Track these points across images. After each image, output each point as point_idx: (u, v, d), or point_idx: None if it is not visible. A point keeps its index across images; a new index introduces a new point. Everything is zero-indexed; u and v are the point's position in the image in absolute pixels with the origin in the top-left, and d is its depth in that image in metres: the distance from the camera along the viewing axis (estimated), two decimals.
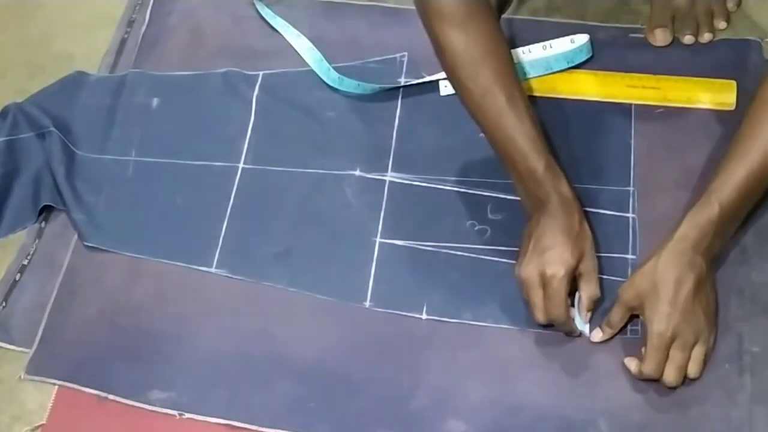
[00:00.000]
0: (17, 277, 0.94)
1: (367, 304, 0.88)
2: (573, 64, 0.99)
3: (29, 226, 0.97)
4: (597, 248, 0.87)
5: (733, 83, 0.94)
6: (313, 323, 0.88)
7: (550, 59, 0.97)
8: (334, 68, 1.01)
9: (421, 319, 0.87)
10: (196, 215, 0.95)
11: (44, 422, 0.85)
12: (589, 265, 0.83)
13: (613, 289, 0.85)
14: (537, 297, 0.81)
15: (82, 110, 1.03)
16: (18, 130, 1.01)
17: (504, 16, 1.04)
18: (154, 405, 0.84)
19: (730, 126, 0.93)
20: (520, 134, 0.83)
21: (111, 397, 0.85)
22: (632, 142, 0.94)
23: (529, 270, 0.81)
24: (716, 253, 0.82)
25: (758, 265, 0.86)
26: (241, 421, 0.83)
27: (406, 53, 1.03)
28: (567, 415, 0.81)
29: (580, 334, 0.84)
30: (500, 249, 0.89)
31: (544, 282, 0.81)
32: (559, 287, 0.80)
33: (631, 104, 0.96)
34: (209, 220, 0.95)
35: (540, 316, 0.82)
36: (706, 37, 0.99)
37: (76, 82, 1.05)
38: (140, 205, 0.97)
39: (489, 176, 0.93)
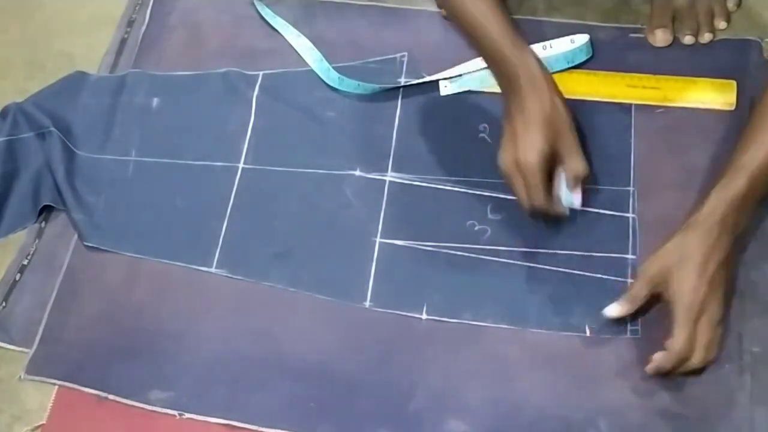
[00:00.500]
0: (17, 277, 0.94)
1: (367, 304, 0.88)
2: (573, 64, 0.99)
3: (29, 226, 0.97)
4: (595, 247, 0.87)
5: (733, 83, 0.94)
6: (313, 323, 0.88)
7: (550, 59, 0.97)
8: (334, 68, 1.01)
9: (421, 319, 0.87)
10: (196, 215, 0.95)
11: (44, 422, 0.85)
12: (567, 143, 0.82)
13: (614, 290, 0.85)
14: (518, 185, 0.82)
15: (82, 110, 1.03)
16: (18, 130, 1.01)
17: None
18: (154, 405, 0.84)
19: (730, 126, 0.93)
20: (488, 15, 0.85)
21: (111, 397, 0.85)
22: (632, 142, 0.94)
23: (505, 159, 0.82)
24: (741, 231, 0.81)
25: (758, 265, 0.86)
26: (241, 421, 0.83)
27: (406, 53, 1.03)
28: (567, 415, 0.81)
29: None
30: (500, 249, 0.89)
31: (521, 170, 0.81)
32: (535, 173, 0.81)
33: (631, 104, 0.96)
34: (209, 220, 0.95)
35: (524, 204, 0.83)
36: (706, 37, 0.99)
37: (76, 82, 1.05)
38: (140, 205, 0.97)
39: (489, 176, 0.93)
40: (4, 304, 0.92)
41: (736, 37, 1.00)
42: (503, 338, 0.85)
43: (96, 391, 0.85)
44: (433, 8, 1.07)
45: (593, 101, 0.97)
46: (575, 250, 0.88)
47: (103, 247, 0.94)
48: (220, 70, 1.04)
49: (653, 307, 0.83)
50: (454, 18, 0.91)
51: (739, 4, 1.02)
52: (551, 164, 0.83)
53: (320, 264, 0.91)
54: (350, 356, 0.86)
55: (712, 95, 0.95)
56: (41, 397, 0.86)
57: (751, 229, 0.85)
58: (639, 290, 0.81)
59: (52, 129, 1.00)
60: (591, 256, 0.88)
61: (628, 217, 0.90)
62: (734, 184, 0.79)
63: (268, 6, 1.09)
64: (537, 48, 0.98)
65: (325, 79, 1.01)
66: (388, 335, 0.87)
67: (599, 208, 0.90)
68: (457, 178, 0.94)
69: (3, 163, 0.98)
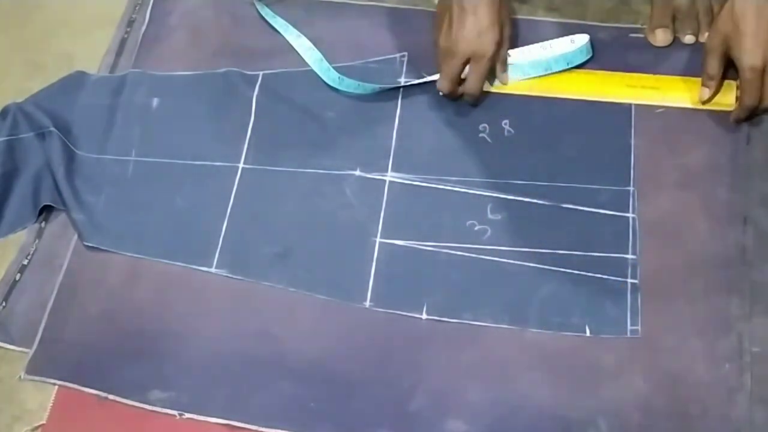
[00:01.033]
0: (17, 277, 0.94)
1: (367, 304, 0.88)
2: (573, 65, 0.99)
3: (29, 226, 0.97)
4: (595, 247, 0.87)
5: (733, 84, 0.94)
6: (313, 323, 0.88)
7: (549, 60, 0.97)
8: (334, 68, 1.01)
9: (421, 319, 0.87)
10: (196, 215, 0.95)
11: (44, 422, 0.85)
12: (506, 33, 0.94)
13: (614, 290, 0.86)
14: (454, 68, 0.93)
15: (82, 110, 1.03)
16: (18, 130, 1.01)
17: None
18: (154, 405, 0.84)
19: (730, 126, 0.93)
20: None
21: (111, 397, 0.85)
22: (632, 142, 0.94)
23: (455, 44, 0.92)
24: None
25: (758, 265, 0.86)
26: (241, 421, 0.83)
27: (406, 53, 1.03)
28: (567, 415, 0.81)
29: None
30: (500, 249, 0.89)
31: (472, 59, 0.91)
32: (485, 65, 0.92)
33: (631, 104, 0.96)
34: (209, 220, 0.95)
35: (449, 86, 0.94)
36: (706, 36, 0.99)
37: (76, 82, 1.05)
38: (140, 205, 0.97)
39: (489, 176, 0.93)
40: (4, 304, 0.92)
41: None
42: (503, 338, 0.85)
43: (96, 391, 0.86)
44: (433, 8, 1.07)
45: (593, 101, 0.97)
46: (575, 250, 0.88)
47: (103, 247, 0.94)
48: (220, 70, 1.04)
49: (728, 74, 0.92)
50: None
51: None
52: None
53: (320, 264, 0.91)
54: (350, 356, 0.86)
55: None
56: (41, 397, 0.86)
57: (739, 238, 0.87)
58: (712, 66, 0.91)
59: (52, 129, 1.00)
60: (591, 256, 0.88)
61: (628, 217, 0.90)
62: None
63: (268, 6, 1.09)
64: (536, 48, 0.98)
65: (325, 79, 1.01)
66: (388, 335, 0.87)
67: (599, 208, 0.90)
68: (457, 178, 0.94)
69: (3, 163, 0.98)
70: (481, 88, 0.94)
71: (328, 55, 1.02)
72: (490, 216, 0.92)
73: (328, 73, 1.01)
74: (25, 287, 0.93)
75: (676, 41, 1.00)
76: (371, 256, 0.91)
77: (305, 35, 1.05)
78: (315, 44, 1.04)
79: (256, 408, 0.83)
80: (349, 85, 1.00)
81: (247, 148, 0.99)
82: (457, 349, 0.85)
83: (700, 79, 0.95)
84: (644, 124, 0.95)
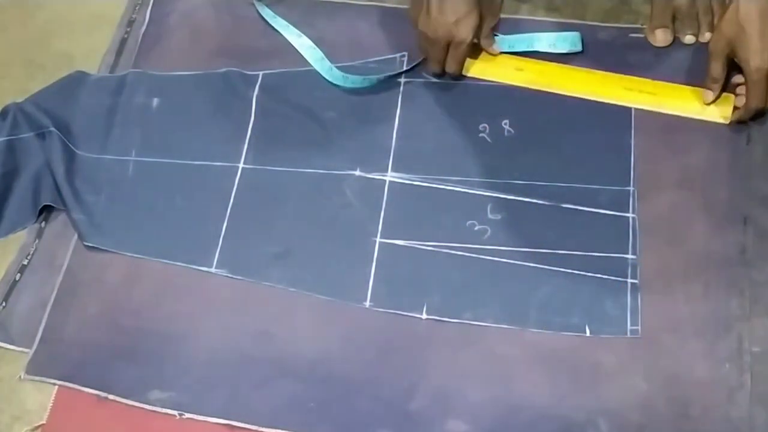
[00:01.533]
0: (17, 277, 0.94)
1: (367, 304, 0.88)
2: (556, 51, 0.99)
3: (29, 225, 0.97)
4: (595, 247, 0.87)
5: (731, 97, 0.93)
6: (313, 323, 0.88)
7: (533, 37, 1.00)
8: (336, 68, 1.01)
9: (421, 319, 0.87)
10: (196, 215, 0.95)
11: (44, 422, 0.85)
12: (487, 14, 0.96)
13: (614, 289, 0.86)
14: (437, 53, 0.95)
15: (82, 110, 1.03)
16: (18, 130, 1.01)
17: (503, 15, 1.04)
18: (154, 405, 0.84)
19: (730, 126, 0.93)
20: None
21: (111, 397, 0.85)
22: (632, 141, 0.94)
23: (435, 29, 0.93)
24: None
25: (758, 265, 0.86)
26: (241, 421, 0.83)
27: (405, 53, 1.03)
28: (567, 415, 0.81)
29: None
30: (500, 249, 0.89)
31: (452, 43, 0.93)
32: (464, 50, 0.94)
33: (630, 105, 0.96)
34: (209, 220, 0.95)
35: (435, 69, 0.97)
36: (706, 36, 0.99)
37: (76, 81, 1.05)
38: (140, 205, 0.97)
39: (489, 176, 0.93)
40: (4, 304, 0.92)
41: None
42: (503, 338, 0.85)
43: (96, 391, 0.86)
44: None
45: (593, 101, 0.97)
46: (575, 250, 0.88)
47: (103, 247, 0.94)
48: (220, 70, 1.04)
49: (732, 78, 0.92)
50: None
51: None
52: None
53: (320, 264, 0.91)
54: (350, 356, 0.86)
55: (709, 107, 0.94)
56: (41, 397, 0.86)
57: (739, 238, 0.87)
58: (716, 69, 0.90)
59: (52, 129, 1.00)
60: (591, 255, 0.88)
61: (628, 217, 0.90)
62: None
63: (268, 6, 1.09)
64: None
65: (327, 77, 1.01)
66: (388, 335, 0.87)
67: (599, 208, 0.90)
68: (457, 178, 0.94)
69: (3, 163, 0.98)
70: (461, 69, 0.97)
71: (329, 55, 1.03)
72: (490, 216, 0.92)
73: (330, 72, 1.01)
74: (25, 287, 0.93)
75: (676, 41, 1.00)
76: (371, 256, 0.91)
77: (305, 35, 1.05)
78: (315, 44, 1.04)
79: (256, 408, 0.83)
80: (354, 81, 1.00)
81: (247, 148, 0.99)
82: (457, 349, 0.85)
83: (697, 88, 0.94)
84: (644, 124, 0.95)
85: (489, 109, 0.98)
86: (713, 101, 0.92)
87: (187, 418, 0.84)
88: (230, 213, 0.95)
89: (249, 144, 0.99)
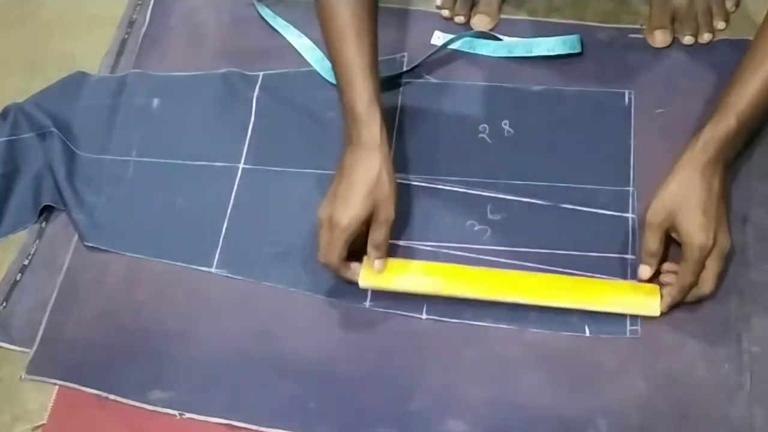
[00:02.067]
0: (18, 277, 0.94)
1: (367, 304, 0.88)
2: (555, 53, 0.99)
3: (30, 226, 0.97)
4: (595, 248, 0.87)
5: (657, 288, 0.83)
6: (313, 323, 0.88)
7: (531, 43, 1.00)
8: None
9: (421, 319, 0.87)
10: (197, 215, 0.95)
11: (45, 422, 0.85)
12: (381, 216, 0.84)
13: None
14: (322, 238, 0.84)
15: (82, 110, 1.03)
16: (18, 130, 1.01)
17: (503, 16, 1.05)
18: (155, 405, 0.85)
19: None
20: (353, 66, 0.86)
21: (111, 397, 0.85)
22: (632, 142, 0.94)
23: (322, 211, 0.84)
24: (731, 162, 0.85)
25: (758, 265, 0.86)
26: (242, 421, 0.83)
27: (405, 54, 1.03)
28: (566, 415, 0.81)
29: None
30: (500, 249, 0.90)
31: (332, 226, 0.83)
32: (339, 236, 0.83)
33: (630, 104, 0.96)
34: (209, 221, 0.95)
35: (319, 257, 0.84)
36: (705, 37, 1.00)
37: (76, 82, 1.06)
38: (141, 206, 0.97)
39: (489, 176, 0.93)
40: (4, 304, 0.92)
41: (735, 37, 1.00)
42: (503, 338, 0.85)
43: (96, 391, 0.86)
44: (432, 9, 1.07)
45: (593, 100, 0.97)
46: (575, 250, 0.88)
47: (103, 247, 0.94)
48: (221, 70, 1.04)
49: (669, 251, 0.84)
50: (327, 51, 0.91)
51: (737, 5, 1.02)
52: (366, 227, 0.85)
53: (320, 264, 0.91)
54: (350, 356, 0.86)
55: (639, 299, 0.84)
56: (42, 396, 0.86)
57: (739, 238, 0.86)
58: (652, 243, 0.83)
59: (53, 129, 1.00)
60: (591, 256, 0.88)
61: (627, 217, 0.90)
62: (724, 123, 0.82)
63: (268, 7, 1.09)
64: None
65: (328, 78, 1.01)
66: (388, 335, 0.87)
67: (599, 209, 0.90)
68: (456, 179, 0.94)
69: (4, 163, 0.99)
70: (337, 259, 0.84)
71: (328, 56, 1.02)
72: (489, 216, 0.92)
73: (330, 72, 1.01)
74: (26, 287, 0.93)
75: (675, 42, 1.00)
76: None
77: (305, 36, 1.05)
78: (315, 45, 1.04)
79: (256, 408, 0.84)
80: None
81: (248, 149, 0.99)
82: (457, 349, 0.85)
83: (625, 282, 0.86)
84: (644, 124, 0.95)
85: (489, 110, 0.98)
86: (649, 276, 0.83)
87: (188, 418, 0.84)
88: (230, 213, 0.95)
89: (249, 144, 0.99)
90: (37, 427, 0.85)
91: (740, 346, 0.82)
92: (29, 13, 1.15)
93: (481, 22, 1.04)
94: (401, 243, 0.91)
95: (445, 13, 1.06)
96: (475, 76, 1.01)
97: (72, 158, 0.99)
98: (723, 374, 0.81)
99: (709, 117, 0.84)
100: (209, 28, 1.09)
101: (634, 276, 0.86)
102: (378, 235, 0.85)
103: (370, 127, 0.85)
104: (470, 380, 0.83)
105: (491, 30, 1.03)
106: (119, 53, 1.09)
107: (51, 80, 1.06)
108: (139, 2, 1.13)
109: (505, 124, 0.97)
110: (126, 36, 1.10)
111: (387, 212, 0.84)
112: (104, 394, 0.85)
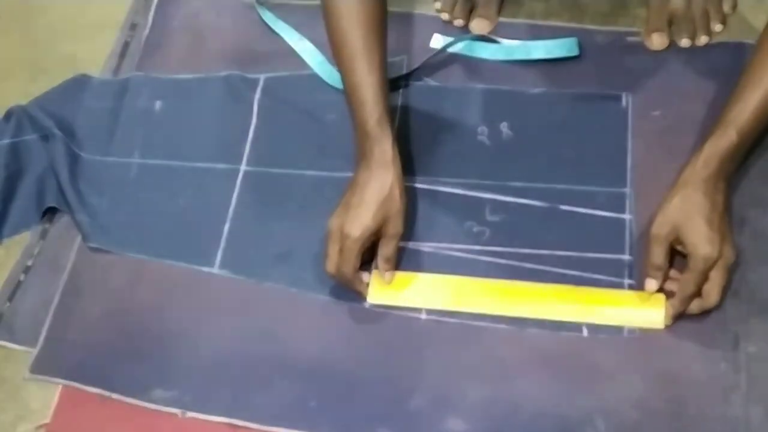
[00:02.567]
0: (21, 278, 0.94)
1: (368, 304, 0.89)
2: (553, 56, 1.00)
3: (33, 227, 0.98)
4: (592, 248, 0.88)
5: (662, 297, 0.84)
6: (314, 323, 0.88)
7: (530, 46, 1.00)
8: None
9: (420, 319, 0.88)
10: (199, 216, 0.96)
11: (48, 421, 0.85)
12: (390, 230, 0.86)
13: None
14: (332, 250, 0.85)
15: (85, 113, 1.04)
16: (22, 133, 1.02)
17: (501, 20, 1.05)
18: (157, 404, 0.85)
19: None
20: (364, 85, 0.87)
21: (114, 396, 0.86)
22: (629, 144, 0.94)
23: (333, 222, 0.85)
24: (732, 175, 0.86)
25: (754, 265, 0.86)
26: (243, 420, 0.83)
27: (405, 56, 1.03)
28: (565, 414, 0.81)
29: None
30: (499, 250, 0.90)
31: (342, 238, 0.84)
32: (351, 247, 0.84)
33: (627, 105, 0.97)
34: (211, 222, 0.95)
35: (329, 267, 0.85)
36: (702, 40, 1.00)
37: (79, 84, 1.06)
38: (143, 207, 0.97)
39: (488, 178, 0.94)
40: (8, 304, 0.93)
41: (732, 39, 1.00)
42: (503, 338, 0.86)
43: (99, 390, 0.86)
44: (432, 12, 1.08)
45: (592, 100, 0.97)
46: (573, 251, 0.89)
47: (106, 248, 0.95)
48: (222, 73, 1.05)
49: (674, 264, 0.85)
50: (337, 67, 0.92)
51: (734, 7, 1.03)
52: (375, 240, 0.87)
53: (321, 264, 0.91)
54: (351, 356, 0.86)
55: (645, 312, 0.84)
56: (45, 396, 0.87)
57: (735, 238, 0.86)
58: (658, 256, 0.83)
59: (56, 131, 1.01)
60: (588, 256, 0.88)
61: (624, 219, 0.90)
62: (725, 138, 0.84)
63: (270, 10, 1.10)
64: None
65: (328, 81, 1.02)
66: (388, 335, 0.87)
67: (596, 210, 0.91)
68: (456, 180, 0.95)
69: (7, 165, 0.99)
70: (351, 270, 0.86)
71: (330, 59, 1.03)
72: (488, 217, 0.92)
73: (331, 75, 1.02)
74: (30, 288, 0.94)
75: (672, 44, 1.01)
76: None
77: (306, 39, 1.06)
78: (316, 48, 1.04)
79: (257, 407, 0.84)
80: None
81: (249, 151, 1.00)
82: (457, 349, 0.86)
83: (630, 292, 0.86)
84: (641, 126, 0.95)
85: (487, 112, 0.98)
86: (656, 289, 0.83)
87: (190, 417, 0.84)
88: (232, 214, 0.96)
89: (251, 146, 1.00)
90: (41, 426, 0.85)
91: (737, 346, 0.82)
92: (32, 15, 1.15)
93: (479, 25, 1.05)
94: (401, 244, 0.92)
95: (445, 16, 1.06)
96: (474, 78, 1.02)
97: (75, 160, 1.00)
98: (720, 374, 0.81)
99: (710, 132, 0.85)
100: (211, 31, 1.10)
101: (631, 275, 0.86)
102: (388, 248, 0.86)
103: (382, 144, 0.86)
104: (469, 379, 0.84)
105: (490, 33, 1.04)
106: (122, 56, 1.09)
107: (54, 83, 1.06)
108: (142, 6, 1.13)
109: (504, 127, 0.97)
110: (129, 39, 1.11)
111: (397, 226, 0.86)
112: (107, 394, 0.86)
